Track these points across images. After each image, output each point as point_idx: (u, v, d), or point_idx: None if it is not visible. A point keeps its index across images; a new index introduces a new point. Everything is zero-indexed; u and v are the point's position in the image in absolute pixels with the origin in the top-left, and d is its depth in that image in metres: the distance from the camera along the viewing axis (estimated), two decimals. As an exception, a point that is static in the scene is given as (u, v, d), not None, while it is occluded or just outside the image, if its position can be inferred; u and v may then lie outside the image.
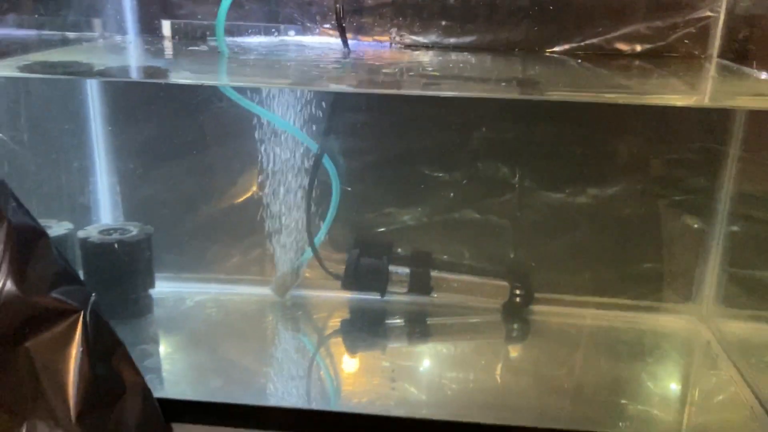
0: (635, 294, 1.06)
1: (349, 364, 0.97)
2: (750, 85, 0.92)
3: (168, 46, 1.05)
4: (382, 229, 1.09)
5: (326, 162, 1.02)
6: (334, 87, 0.96)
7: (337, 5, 1.05)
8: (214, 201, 1.08)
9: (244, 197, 1.06)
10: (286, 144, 1.04)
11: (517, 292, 1.05)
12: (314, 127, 1.03)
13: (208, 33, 1.09)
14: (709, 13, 1.02)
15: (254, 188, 1.05)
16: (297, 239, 1.06)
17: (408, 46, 1.08)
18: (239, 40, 1.09)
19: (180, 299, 1.06)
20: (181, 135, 1.07)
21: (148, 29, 1.09)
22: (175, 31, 1.09)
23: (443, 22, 1.09)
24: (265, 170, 1.04)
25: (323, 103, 1.01)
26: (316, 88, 1.00)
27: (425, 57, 1.03)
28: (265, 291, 1.07)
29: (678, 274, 1.05)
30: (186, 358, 0.95)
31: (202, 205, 1.08)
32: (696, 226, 1.03)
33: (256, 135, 1.02)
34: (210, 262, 1.10)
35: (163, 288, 1.05)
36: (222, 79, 0.95)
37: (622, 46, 1.05)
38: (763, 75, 0.93)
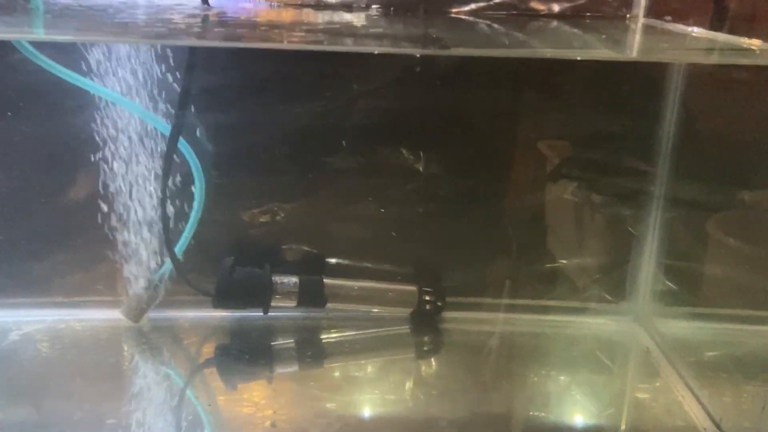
0: (562, 294, 0.93)
1: (228, 402, 0.77)
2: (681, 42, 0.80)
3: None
4: (262, 230, 0.89)
5: (184, 147, 0.81)
6: (182, 42, 0.75)
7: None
8: (41, 203, 0.84)
9: (81, 196, 0.83)
10: (135, 124, 0.82)
11: (427, 297, 0.89)
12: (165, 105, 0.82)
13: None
14: (631, -30, 0.89)
15: (93, 184, 0.82)
16: (153, 247, 0.85)
17: (289, 5, 0.89)
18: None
19: (1, 332, 0.83)
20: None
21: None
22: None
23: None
24: (107, 160, 0.82)
25: (177, 72, 0.80)
26: (146, 41, 0.78)
27: (309, 17, 0.84)
28: (115, 315, 0.86)
29: (609, 269, 0.92)
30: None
31: (25, 209, 0.84)
32: (628, 213, 0.91)
33: (93, 114, 0.80)
34: (41, 281, 0.87)
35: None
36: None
37: (538, 5, 0.90)
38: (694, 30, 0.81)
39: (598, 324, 0.92)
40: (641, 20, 0.92)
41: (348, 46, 0.74)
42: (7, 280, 0.85)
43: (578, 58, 0.84)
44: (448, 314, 0.91)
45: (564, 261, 0.93)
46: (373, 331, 0.89)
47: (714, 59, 0.80)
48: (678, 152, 0.86)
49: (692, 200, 0.85)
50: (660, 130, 0.87)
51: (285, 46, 0.73)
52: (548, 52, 0.79)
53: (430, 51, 0.79)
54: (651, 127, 0.87)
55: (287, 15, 0.90)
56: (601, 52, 0.79)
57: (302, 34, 0.76)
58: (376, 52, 0.82)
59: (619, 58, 0.81)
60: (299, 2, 0.90)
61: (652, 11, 0.92)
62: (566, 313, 0.92)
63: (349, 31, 0.80)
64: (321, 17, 0.86)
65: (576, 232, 0.93)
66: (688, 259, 0.87)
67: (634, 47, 0.82)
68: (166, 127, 0.80)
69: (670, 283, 0.89)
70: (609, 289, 0.92)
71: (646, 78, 0.88)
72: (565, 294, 0.92)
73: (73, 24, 0.78)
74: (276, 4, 0.92)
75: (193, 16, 0.81)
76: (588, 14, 0.92)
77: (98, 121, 0.80)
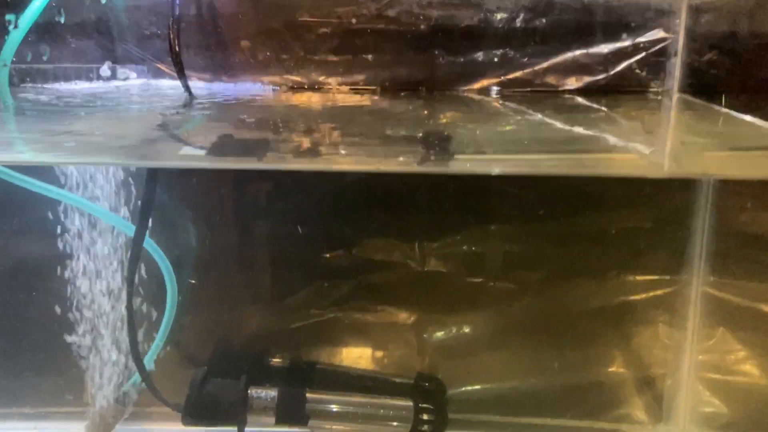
0: (587, 414, 0.80)
1: None
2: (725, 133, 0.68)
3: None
4: (239, 338, 0.82)
5: (151, 249, 0.75)
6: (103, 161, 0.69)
7: (171, 34, 0.80)
8: (4, 311, 0.80)
9: (47, 304, 0.78)
10: (101, 226, 0.77)
11: (425, 416, 0.78)
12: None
13: (28, 78, 0.84)
14: (663, 34, 0.78)
15: (60, 291, 0.78)
16: (121, 357, 0.79)
17: (288, 88, 0.84)
18: (58, 86, 0.84)
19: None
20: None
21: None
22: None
23: (325, 58, 0.84)
24: (73, 268, 0.77)
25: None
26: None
27: (303, 100, 0.79)
28: (82, 428, 0.78)
29: (643, 386, 0.80)
30: None
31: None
32: (664, 322, 0.78)
33: (58, 218, 0.76)
34: (5, 392, 0.81)
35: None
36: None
37: (555, 80, 0.81)
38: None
39: (630, 450, 0.79)
40: (675, 96, 0.81)
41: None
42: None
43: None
44: (451, 434, 0.80)
45: (591, 374, 0.80)
46: (363, 453, 0.79)
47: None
48: (715, 252, 0.74)
49: (732, 303, 0.72)
50: (694, 226, 0.75)
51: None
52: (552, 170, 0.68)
53: (422, 168, 0.69)
54: (684, 225, 0.75)
55: (278, 101, 0.85)
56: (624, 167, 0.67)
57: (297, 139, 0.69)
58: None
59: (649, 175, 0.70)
60: (284, 83, 0.85)
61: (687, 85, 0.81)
62: (592, 437, 0.79)
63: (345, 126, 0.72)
64: (308, 102, 0.80)
65: (606, 343, 0.81)
66: (731, 372, 0.73)
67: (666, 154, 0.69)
68: (132, 229, 0.75)
69: (713, 402, 0.75)
70: (644, 409, 0.79)
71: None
72: (592, 413, 0.80)
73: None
74: (270, 88, 0.88)
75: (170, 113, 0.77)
76: (613, 89, 0.82)
77: (61, 228, 0.77)
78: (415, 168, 0.69)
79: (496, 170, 0.66)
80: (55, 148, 0.65)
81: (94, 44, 0.87)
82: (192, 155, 0.67)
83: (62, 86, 0.85)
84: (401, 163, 0.67)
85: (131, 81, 0.87)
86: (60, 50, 0.84)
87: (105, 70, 0.84)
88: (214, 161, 0.68)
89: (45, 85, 0.84)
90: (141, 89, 0.85)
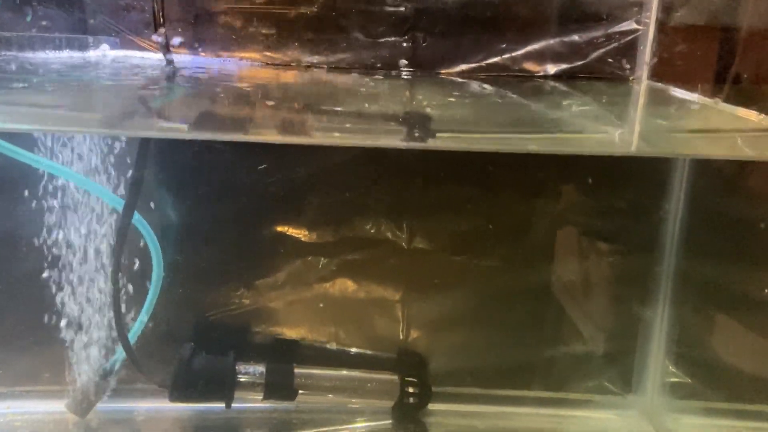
0: (561, 385, 0.83)
1: None
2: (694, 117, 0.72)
3: None
4: (225, 313, 0.81)
5: (139, 223, 0.73)
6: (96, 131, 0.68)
7: (155, 7, 0.78)
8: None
9: (23, 272, 0.75)
10: (83, 196, 0.75)
11: (410, 389, 0.80)
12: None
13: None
14: (635, 25, 0.82)
15: (37, 258, 0.74)
16: (104, 332, 0.77)
17: (266, 65, 0.83)
18: (29, 55, 0.80)
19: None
20: None
21: None
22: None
23: (307, 36, 0.84)
24: (53, 237, 0.74)
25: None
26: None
27: (285, 78, 0.78)
28: (61, 407, 0.76)
29: (614, 358, 0.83)
30: None
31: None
32: (634, 296, 0.82)
33: (35, 189, 0.73)
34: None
35: None
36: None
37: (532, 67, 0.84)
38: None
39: (601, 419, 0.82)
40: (645, 83, 0.85)
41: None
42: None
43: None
44: (434, 407, 0.81)
45: (565, 347, 0.84)
46: (349, 426, 0.79)
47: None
48: (688, 228, 0.78)
49: (704, 278, 0.77)
50: (667, 205, 0.79)
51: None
52: (532, 147, 0.70)
53: (405, 144, 0.70)
54: (658, 202, 0.79)
55: (259, 75, 0.84)
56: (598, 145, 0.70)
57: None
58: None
59: (621, 153, 0.73)
60: (266, 61, 0.84)
61: (656, 72, 0.85)
62: (567, 407, 0.82)
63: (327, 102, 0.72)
64: (291, 79, 0.80)
65: (578, 317, 0.84)
66: (701, 345, 0.78)
67: (635, 133, 0.72)
68: (119, 202, 0.73)
69: (683, 374, 0.80)
70: (614, 380, 0.83)
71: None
72: (566, 385, 0.83)
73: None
74: (250, 63, 0.87)
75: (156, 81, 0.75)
76: (587, 75, 0.86)
77: (44, 196, 0.73)
78: (398, 144, 0.71)
79: (471, 147, 0.68)
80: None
81: (64, 14, 0.84)
82: (174, 128, 0.67)
83: (29, 55, 0.82)
84: (384, 139, 0.69)
85: (105, 52, 0.85)
86: (23, 18, 0.81)
87: (91, 42, 0.82)
88: (197, 134, 0.68)
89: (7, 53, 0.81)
90: (115, 62, 0.83)
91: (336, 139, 0.67)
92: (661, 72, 0.83)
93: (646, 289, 0.81)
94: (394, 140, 0.68)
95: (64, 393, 0.77)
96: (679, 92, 0.79)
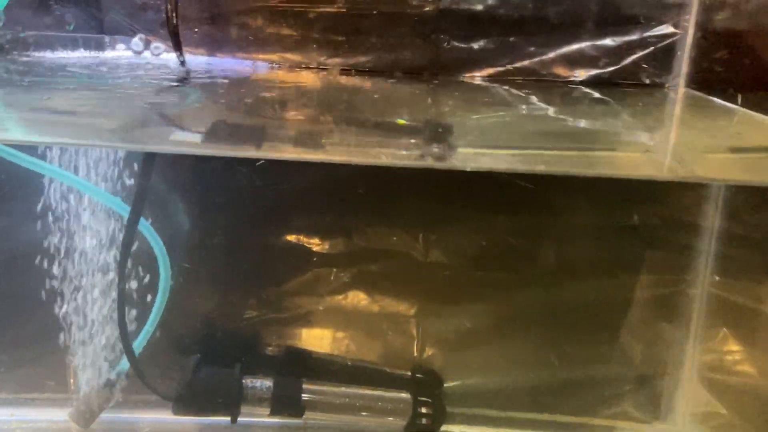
0: (584, 410, 0.79)
1: None
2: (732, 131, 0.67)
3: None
4: (233, 324, 0.79)
5: (146, 229, 0.71)
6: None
7: (168, 5, 0.76)
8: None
9: (28, 279, 0.73)
10: (89, 204, 0.73)
11: (423, 409, 0.76)
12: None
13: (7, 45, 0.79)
14: (672, 29, 0.78)
15: (42, 265, 0.73)
16: (108, 342, 0.75)
17: (283, 67, 0.81)
18: (48, 55, 0.79)
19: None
20: None
21: None
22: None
23: (327, 37, 0.81)
24: (60, 245, 0.73)
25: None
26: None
27: (300, 80, 0.76)
28: (64, 416, 0.74)
29: (641, 383, 0.79)
30: None
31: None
32: (665, 317, 0.77)
33: (40, 196, 0.71)
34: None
35: None
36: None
37: (562, 71, 0.79)
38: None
39: (626, 448, 0.79)
40: (682, 90, 0.80)
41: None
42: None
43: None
44: (448, 428, 0.77)
45: (588, 370, 0.80)
46: (359, 446, 0.77)
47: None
48: (724, 247, 0.73)
49: (738, 303, 0.72)
50: (703, 222, 0.74)
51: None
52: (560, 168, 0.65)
53: (420, 163, 0.65)
54: (692, 219, 0.74)
55: (277, 78, 0.81)
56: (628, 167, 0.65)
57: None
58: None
59: (651, 178, 0.68)
60: (283, 62, 0.81)
61: (695, 79, 0.80)
62: (589, 432, 0.79)
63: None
64: (310, 83, 0.77)
65: (604, 339, 0.80)
66: (733, 372, 0.73)
67: (668, 153, 0.66)
68: (126, 209, 0.72)
69: (714, 403, 0.75)
70: (641, 407, 0.79)
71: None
72: (588, 410, 0.79)
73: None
74: (268, 66, 0.84)
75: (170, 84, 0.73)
76: (620, 82, 0.81)
77: (48, 202, 0.72)
78: (415, 163, 0.67)
79: (498, 166, 0.64)
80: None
81: (80, 13, 0.83)
82: (186, 141, 0.64)
83: (46, 55, 0.81)
84: (400, 156, 0.65)
85: (120, 53, 0.83)
86: (42, 18, 0.80)
87: (107, 42, 0.81)
88: (208, 148, 0.66)
89: (26, 54, 0.80)
90: (130, 62, 0.81)
91: (345, 155, 0.64)
92: (700, 79, 0.78)
93: (677, 310, 0.77)
94: (410, 159, 0.65)
95: (68, 402, 0.76)
96: (718, 102, 0.74)
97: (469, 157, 0.64)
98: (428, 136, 0.65)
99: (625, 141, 0.66)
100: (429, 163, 0.62)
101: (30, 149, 0.68)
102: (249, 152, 0.67)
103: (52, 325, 0.74)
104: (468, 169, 0.66)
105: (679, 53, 0.80)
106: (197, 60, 0.81)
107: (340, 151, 0.62)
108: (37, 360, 0.77)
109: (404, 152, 0.63)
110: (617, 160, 0.64)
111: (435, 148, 0.63)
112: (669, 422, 0.79)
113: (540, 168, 0.64)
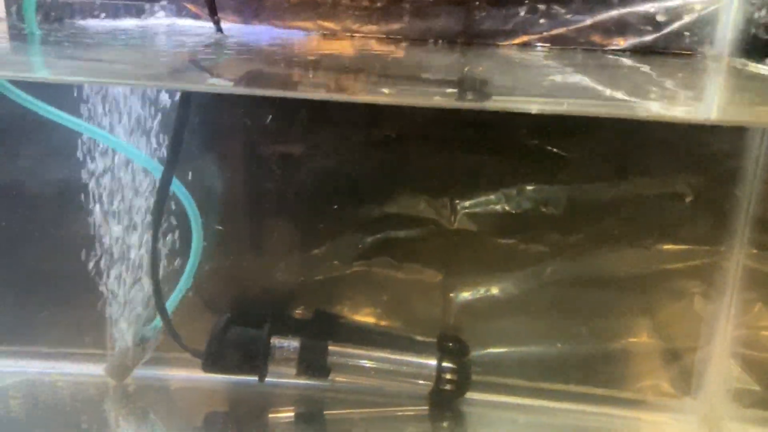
0: (611, 382, 0.78)
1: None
2: None
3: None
4: (263, 287, 0.80)
5: (178, 189, 0.73)
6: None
7: (205, -27, 0.77)
8: (25, 245, 0.78)
9: (65, 238, 0.76)
10: (125, 161, 0.75)
11: (448, 375, 0.76)
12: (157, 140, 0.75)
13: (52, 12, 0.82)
14: (716, -6, 0.75)
15: (78, 225, 0.75)
16: (142, 300, 0.77)
17: (320, 35, 0.81)
18: (84, 22, 0.81)
19: (-24, 383, 0.77)
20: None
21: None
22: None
23: (361, 4, 0.81)
24: (97, 204, 0.75)
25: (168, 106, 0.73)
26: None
27: (334, 47, 0.76)
28: (100, 371, 0.77)
29: (672, 357, 0.77)
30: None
31: (10, 253, 0.78)
32: (698, 289, 0.75)
33: (81, 156, 0.74)
34: (22, 329, 0.80)
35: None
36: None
37: (600, 39, 0.77)
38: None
39: (655, 422, 0.76)
40: (726, 59, 0.77)
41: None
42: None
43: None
44: (472, 396, 0.77)
45: (618, 342, 0.78)
46: (383, 410, 0.77)
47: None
48: (761, 218, 0.70)
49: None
50: (740, 194, 0.72)
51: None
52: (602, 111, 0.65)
53: (460, 104, 0.66)
54: (728, 189, 0.72)
55: (311, 45, 0.82)
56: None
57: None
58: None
59: (696, 121, 0.66)
60: (316, 29, 0.81)
61: (739, 47, 0.77)
62: (617, 406, 0.77)
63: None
64: (340, 50, 0.77)
65: (633, 309, 0.78)
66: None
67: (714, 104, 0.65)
68: (159, 169, 0.73)
69: (748, 380, 0.72)
70: (671, 381, 0.77)
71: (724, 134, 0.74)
72: (617, 383, 0.78)
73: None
74: (303, 33, 0.85)
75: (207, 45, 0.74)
76: (661, 51, 0.79)
77: (87, 163, 0.74)
78: (452, 104, 0.66)
79: (534, 108, 0.63)
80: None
81: (122, -20, 0.84)
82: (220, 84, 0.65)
83: (87, 22, 0.83)
84: (437, 100, 0.65)
85: (159, 20, 0.85)
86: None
87: (147, 9, 0.82)
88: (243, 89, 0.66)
89: (68, 20, 0.82)
90: (169, 28, 0.83)
91: (386, 96, 0.64)
92: (745, 46, 0.76)
93: (710, 282, 0.74)
94: (449, 101, 0.64)
95: (104, 358, 0.79)
96: (765, 69, 0.71)
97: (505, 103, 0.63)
98: (463, 87, 0.65)
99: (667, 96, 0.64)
100: (468, 103, 0.62)
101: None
102: (280, 92, 0.68)
103: (90, 282, 0.76)
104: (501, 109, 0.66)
105: (723, 19, 0.78)
106: (233, 27, 0.82)
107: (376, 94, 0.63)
108: (76, 316, 0.79)
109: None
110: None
111: (470, 96, 0.63)
112: (700, 398, 0.76)
113: (574, 110, 0.63)
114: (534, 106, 0.61)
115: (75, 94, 0.72)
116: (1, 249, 0.78)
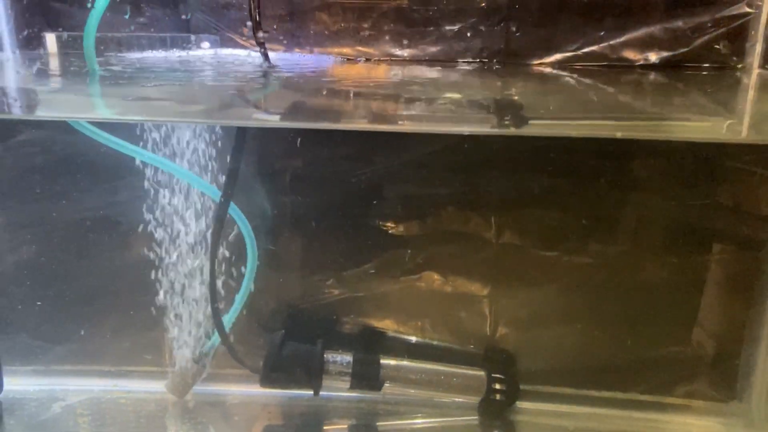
0: (657, 389, 0.79)
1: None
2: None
3: (51, 64, 0.82)
4: (316, 303, 0.82)
5: (234, 214, 0.76)
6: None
7: (252, 4, 0.80)
8: (90, 269, 0.81)
9: (131, 264, 0.79)
10: (184, 189, 0.78)
11: (497, 385, 0.78)
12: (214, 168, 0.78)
13: (102, 46, 0.85)
14: (746, 9, 0.77)
15: (143, 252, 0.79)
16: (201, 319, 0.80)
17: (361, 60, 0.84)
18: (134, 55, 0.85)
19: (45, 402, 0.79)
20: (32, 179, 0.80)
21: (30, 44, 0.86)
22: (64, 44, 0.85)
23: (399, 29, 0.84)
24: (157, 228, 0.78)
25: (225, 137, 0.76)
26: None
27: (377, 73, 0.79)
28: (161, 388, 0.81)
29: (717, 361, 0.78)
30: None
31: (74, 275, 0.82)
32: (741, 295, 0.77)
33: (141, 181, 0.77)
34: (89, 349, 0.83)
35: (23, 386, 0.80)
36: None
37: (632, 55, 0.80)
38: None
39: (701, 427, 0.78)
40: (756, 71, 0.80)
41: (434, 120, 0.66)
42: (56, 347, 0.83)
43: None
44: (522, 405, 0.79)
45: (662, 348, 0.80)
46: (435, 420, 0.79)
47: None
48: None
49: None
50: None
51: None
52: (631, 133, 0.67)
53: (496, 131, 0.68)
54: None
55: (352, 72, 0.85)
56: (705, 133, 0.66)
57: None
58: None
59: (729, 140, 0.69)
60: (357, 56, 0.85)
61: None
62: (663, 411, 0.79)
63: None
64: (383, 75, 0.80)
65: (677, 317, 0.80)
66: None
67: (744, 121, 0.67)
68: (217, 194, 0.76)
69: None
70: (716, 386, 0.78)
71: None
72: (662, 389, 0.79)
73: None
74: (341, 59, 0.88)
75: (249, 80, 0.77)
76: (691, 64, 0.81)
77: (147, 188, 0.77)
78: (489, 131, 0.69)
79: (570, 133, 0.66)
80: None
81: (169, 14, 0.88)
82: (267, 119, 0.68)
83: (139, 55, 0.87)
84: (474, 126, 0.67)
85: (204, 51, 0.88)
86: (136, 19, 0.86)
87: (193, 40, 0.86)
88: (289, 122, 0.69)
89: (121, 54, 0.86)
90: (214, 59, 0.86)
91: (425, 126, 0.67)
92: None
93: (754, 287, 0.76)
94: (485, 127, 0.67)
95: (165, 375, 0.82)
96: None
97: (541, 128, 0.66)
98: (500, 111, 0.68)
99: (697, 114, 0.66)
100: (507, 130, 0.65)
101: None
102: (324, 124, 0.71)
103: (151, 303, 0.80)
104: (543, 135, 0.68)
105: (753, 33, 0.80)
106: (278, 56, 0.85)
107: (414, 123, 0.66)
108: (137, 335, 0.83)
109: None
110: (691, 128, 0.65)
111: (506, 121, 0.66)
112: (745, 401, 0.78)
113: (616, 133, 0.66)
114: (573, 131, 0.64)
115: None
116: (67, 273, 0.81)
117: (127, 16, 0.83)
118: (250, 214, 0.76)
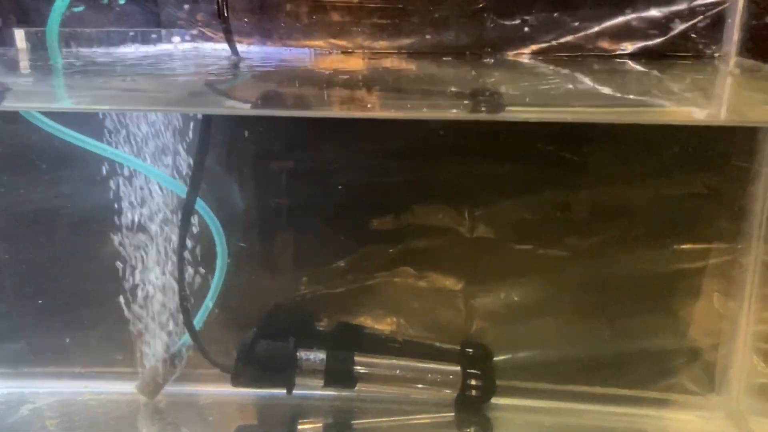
0: (635, 383, 0.78)
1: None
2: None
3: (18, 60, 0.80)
4: (288, 299, 0.81)
5: (202, 209, 0.75)
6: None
7: (219, -4, 0.79)
8: (56, 267, 0.80)
9: (97, 260, 0.78)
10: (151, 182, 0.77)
11: (473, 381, 0.77)
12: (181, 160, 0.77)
13: (72, 42, 0.84)
14: (721, -3, 0.76)
15: (109, 248, 0.77)
16: (171, 317, 0.79)
17: (333, 52, 0.83)
18: (103, 50, 0.84)
19: (12, 406, 0.78)
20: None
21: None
22: (35, 41, 0.84)
23: (372, 21, 0.83)
24: (125, 227, 0.77)
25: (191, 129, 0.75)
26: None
27: (346, 64, 0.77)
28: (131, 389, 0.79)
29: (695, 354, 0.77)
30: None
31: (44, 276, 0.80)
32: (718, 287, 0.76)
33: (106, 173, 0.75)
34: (57, 350, 0.82)
35: (-10, 389, 0.79)
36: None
37: (608, 45, 0.79)
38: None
39: (680, 420, 0.77)
40: (733, 59, 0.79)
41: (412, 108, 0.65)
42: (24, 348, 0.81)
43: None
44: (499, 401, 0.78)
45: (641, 342, 0.79)
46: (410, 417, 0.78)
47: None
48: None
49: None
50: (755, 191, 0.73)
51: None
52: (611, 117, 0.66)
53: (472, 116, 0.67)
54: (744, 186, 0.73)
55: (325, 63, 0.84)
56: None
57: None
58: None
59: (708, 123, 0.68)
60: (329, 47, 0.83)
61: (746, 47, 0.78)
62: (642, 406, 0.78)
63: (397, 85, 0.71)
64: (354, 66, 0.79)
65: (655, 309, 0.79)
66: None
67: (723, 104, 0.67)
68: (183, 189, 0.75)
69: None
70: (695, 379, 0.78)
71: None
72: (641, 382, 0.78)
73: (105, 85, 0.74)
74: (314, 51, 0.87)
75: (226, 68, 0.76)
76: (668, 53, 0.80)
77: (114, 186, 0.76)
78: (466, 116, 0.68)
79: (548, 117, 0.65)
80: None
81: (138, 8, 0.87)
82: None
83: (107, 50, 0.85)
84: (450, 112, 0.66)
85: (177, 45, 0.87)
86: (104, 14, 0.84)
87: (163, 35, 0.85)
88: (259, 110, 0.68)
89: (88, 49, 0.85)
90: (186, 53, 0.85)
91: (401, 112, 0.66)
92: (751, 46, 0.77)
93: (730, 280, 0.75)
94: (463, 113, 0.66)
95: (135, 375, 0.80)
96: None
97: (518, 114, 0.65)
98: (476, 99, 0.67)
99: (675, 99, 0.65)
100: (482, 115, 0.64)
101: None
102: (294, 112, 0.70)
103: (120, 303, 0.78)
104: (519, 120, 0.67)
105: (729, 21, 0.79)
106: (248, 49, 0.84)
107: (388, 110, 0.64)
108: (107, 336, 0.81)
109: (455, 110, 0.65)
110: (669, 113, 0.64)
111: (483, 107, 0.64)
112: (724, 395, 0.77)
113: (591, 118, 0.65)
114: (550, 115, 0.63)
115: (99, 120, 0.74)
116: (34, 273, 0.80)
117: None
118: (216, 209, 0.75)
